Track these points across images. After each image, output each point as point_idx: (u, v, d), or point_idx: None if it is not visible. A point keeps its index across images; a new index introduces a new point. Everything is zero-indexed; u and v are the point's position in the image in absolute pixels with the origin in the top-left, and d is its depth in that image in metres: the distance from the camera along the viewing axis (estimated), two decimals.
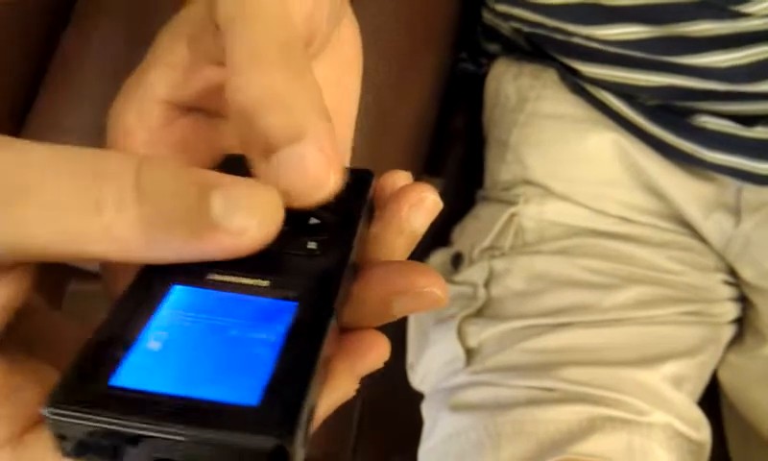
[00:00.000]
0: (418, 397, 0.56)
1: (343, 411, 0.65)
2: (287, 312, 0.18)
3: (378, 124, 0.53)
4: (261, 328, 0.18)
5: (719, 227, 0.52)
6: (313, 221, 0.21)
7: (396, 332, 0.61)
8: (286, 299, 0.18)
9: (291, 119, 0.19)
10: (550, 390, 0.47)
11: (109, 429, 0.16)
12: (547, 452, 0.45)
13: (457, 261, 0.57)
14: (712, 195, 0.52)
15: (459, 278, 0.56)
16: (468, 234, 0.57)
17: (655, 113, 0.51)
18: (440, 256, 0.59)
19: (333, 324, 0.18)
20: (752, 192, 0.51)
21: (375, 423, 0.64)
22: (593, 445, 0.45)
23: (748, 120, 0.49)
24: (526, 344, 0.50)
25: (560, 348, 0.49)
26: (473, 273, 0.54)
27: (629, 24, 0.48)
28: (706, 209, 0.52)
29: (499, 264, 0.54)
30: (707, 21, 0.46)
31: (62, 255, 0.17)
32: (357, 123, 0.53)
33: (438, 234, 0.62)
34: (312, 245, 0.20)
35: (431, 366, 0.54)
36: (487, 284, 0.53)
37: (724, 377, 0.56)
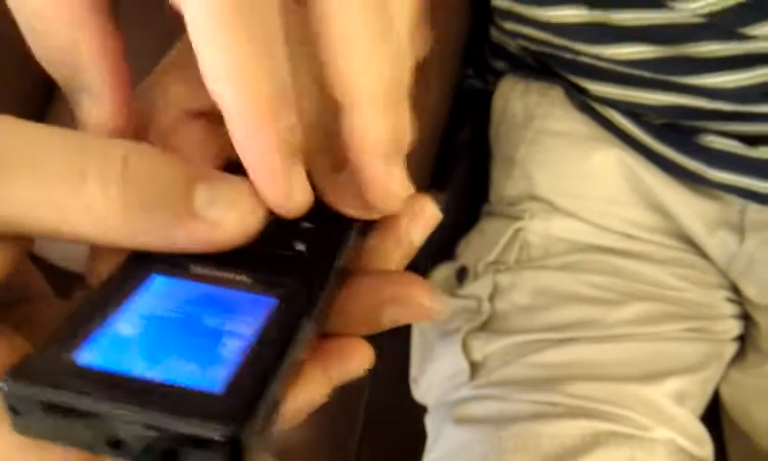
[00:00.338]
0: (420, 409, 0.57)
1: (346, 422, 0.66)
2: (265, 309, 0.18)
3: None
4: (237, 322, 0.18)
5: (723, 245, 0.53)
6: (305, 225, 0.21)
7: (400, 345, 0.61)
8: (266, 295, 0.19)
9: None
10: (554, 404, 0.48)
11: (59, 404, 0.16)
12: None
13: (462, 275, 0.58)
14: (716, 213, 0.52)
15: (463, 291, 0.56)
16: (472, 249, 0.58)
17: (661, 132, 0.52)
18: (444, 270, 0.59)
19: (311, 326, 0.18)
20: (756, 211, 0.51)
21: (378, 434, 0.64)
22: (596, 459, 0.45)
23: (753, 140, 0.49)
24: (531, 358, 0.50)
25: (564, 362, 0.49)
26: (478, 287, 0.55)
27: (636, 44, 0.49)
28: (710, 227, 0.53)
29: (504, 278, 0.54)
30: (713, 42, 0.46)
31: (43, 230, 0.17)
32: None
33: (442, 248, 0.62)
34: (301, 247, 0.20)
35: (435, 379, 0.55)
36: (491, 298, 0.54)
37: (726, 394, 0.56)
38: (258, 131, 0.18)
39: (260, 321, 0.18)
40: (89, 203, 0.17)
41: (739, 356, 0.56)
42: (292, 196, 0.19)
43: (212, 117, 0.23)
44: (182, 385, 0.16)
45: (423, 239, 0.22)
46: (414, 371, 0.58)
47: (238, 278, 0.19)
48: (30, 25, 0.19)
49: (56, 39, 0.19)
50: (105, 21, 0.20)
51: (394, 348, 0.64)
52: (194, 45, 0.17)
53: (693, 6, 0.44)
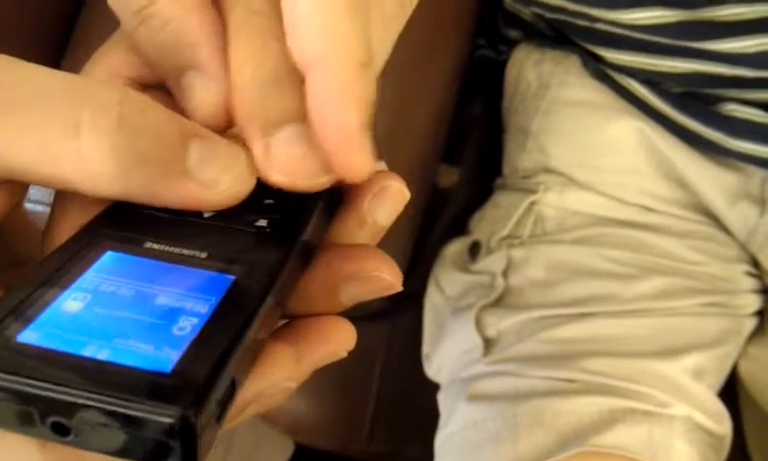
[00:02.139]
0: (432, 386, 0.56)
1: (358, 400, 0.66)
2: (222, 286, 0.17)
3: (397, 109, 0.52)
4: (191, 299, 0.17)
5: (743, 217, 0.51)
6: (268, 201, 0.20)
7: (412, 322, 0.60)
8: (223, 272, 0.18)
9: (292, 96, 0.19)
10: (570, 381, 0.47)
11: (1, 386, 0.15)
12: (567, 444, 0.44)
13: (474, 250, 0.57)
14: (737, 185, 0.51)
15: (476, 267, 0.55)
16: (486, 223, 0.57)
17: (680, 101, 0.50)
18: (456, 246, 0.58)
19: (270, 304, 0.17)
20: None
21: (390, 411, 0.63)
22: (614, 437, 0.44)
23: None
24: (546, 334, 0.49)
25: (580, 338, 0.48)
26: (492, 262, 0.54)
27: (655, 8, 0.47)
28: (730, 199, 0.51)
29: (518, 253, 0.53)
30: (736, 5, 0.45)
31: (33, 175, 0.17)
32: (376, 109, 0.52)
33: (454, 223, 0.61)
34: (262, 223, 0.19)
35: (448, 356, 0.54)
36: (505, 274, 0.53)
37: (743, 369, 0.55)
38: (347, 85, 0.17)
39: (216, 299, 0.17)
40: (81, 153, 0.16)
41: (758, 332, 0.54)
42: (366, 160, 0.18)
43: (162, 88, 0.23)
44: (131, 365, 0.15)
45: (391, 219, 0.21)
46: (426, 347, 0.58)
47: (196, 254, 0.18)
48: (141, 16, 0.19)
49: (171, 26, 0.19)
50: (212, 6, 0.20)
51: (406, 324, 0.63)
52: (291, 9, 0.18)
53: None
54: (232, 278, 0.17)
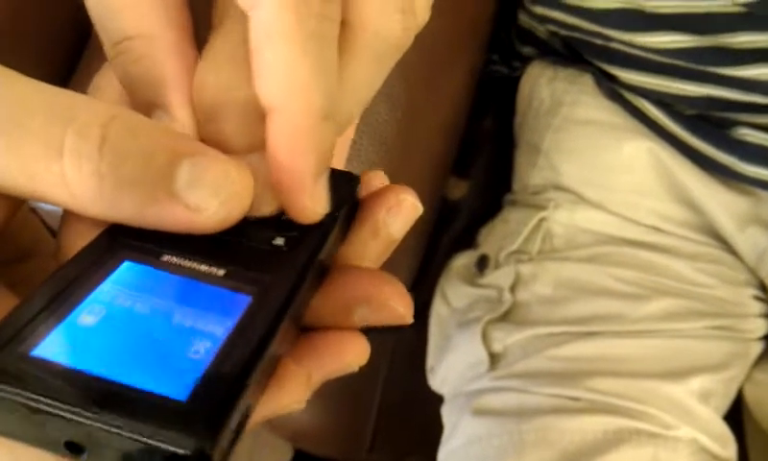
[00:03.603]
0: (434, 398, 0.56)
1: (360, 410, 0.65)
2: (239, 306, 0.17)
3: (410, 122, 0.52)
4: (207, 319, 0.16)
5: (753, 241, 0.51)
6: (285, 217, 0.19)
7: (415, 334, 0.60)
8: (240, 292, 0.17)
9: (245, 128, 0.19)
10: (576, 399, 0.47)
11: (14, 402, 0.14)
12: None
13: (482, 264, 0.57)
14: (748, 209, 0.51)
15: (484, 281, 0.55)
16: (495, 237, 0.57)
17: (693, 124, 0.50)
18: (464, 258, 0.58)
19: (285, 326, 0.17)
20: None
21: (392, 423, 0.63)
22: (619, 457, 0.44)
23: None
24: (552, 351, 0.49)
25: (587, 357, 0.48)
26: (499, 276, 0.54)
27: (671, 32, 0.47)
28: (740, 223, 0.51)
29: (526, 269, 0.53)
30: (751, 33, 0.45)
31: (22, 194, 0.17)
32: (389, 120, 0.53)
33: (461, 236, 0.62)
34: (279, 241, 0.19)
35: (453, 368, 0.54)
36: (513, 289, 0.53)
37: (749, 394, 0.55)
38: (303, 136, 0.18)
39: (233, 321, 0.17)
40: (62, 176, 0.16)
41: (765, 356, 0.54)
42: (317, 205, 0.19)
43: None
44: (146, 389, 0.15)
45: (403, 232, 0.21)
46: (431, 360, 0.58)
47: (212, 270, 0.18)
48: (117, 49, 0.19)
49: (143, 62, 0.19)
50: (192, 47, 0.20)
51: (409, 336, 0.63)
52: (257, 50, 0.17)
53: None
54: (249, 298, 0.17)
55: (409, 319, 0.20)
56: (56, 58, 0.43)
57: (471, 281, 0.56)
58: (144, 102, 0.19)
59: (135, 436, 0.14)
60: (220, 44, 0.19)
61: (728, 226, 0.51)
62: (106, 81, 0.21)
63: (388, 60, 0.20)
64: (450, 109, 0.56)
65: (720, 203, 0.51)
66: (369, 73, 0.20)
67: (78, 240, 0.19)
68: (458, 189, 0.63)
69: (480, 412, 0.49)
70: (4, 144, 0.16)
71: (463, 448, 0.49)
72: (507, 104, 0.62)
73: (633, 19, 0.48)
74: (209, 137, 0.19)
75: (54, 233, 0.21)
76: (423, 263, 0.60)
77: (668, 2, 0.46)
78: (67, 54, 0.43)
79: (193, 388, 0.15)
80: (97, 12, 0.19)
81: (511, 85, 0.62)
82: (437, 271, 0.60)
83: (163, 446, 0.14)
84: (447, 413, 0.53)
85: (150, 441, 0.14)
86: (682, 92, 0.50)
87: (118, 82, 0.21)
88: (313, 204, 0.19)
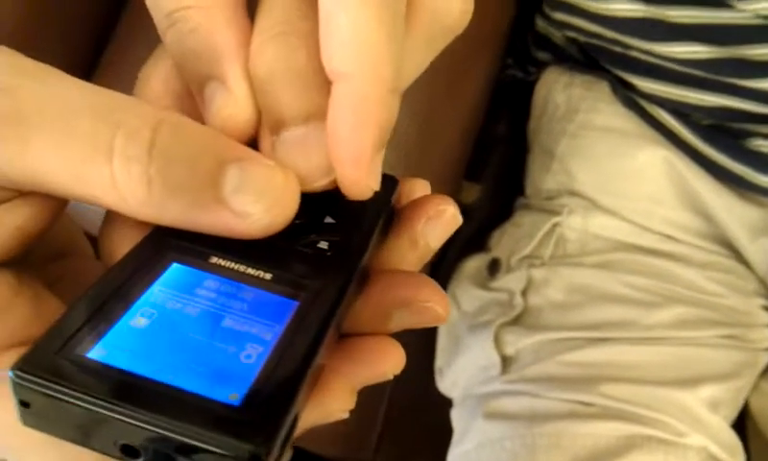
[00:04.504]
0: (440, 400, 0.56)
1: (366, 413, 0.65)
2: (286, 310, 0.17)
3: (429, 127, 0.52)
4: (256, 323, 0.17)
5: (764, 251, 0.52)
6: (328, 220, 0.20)
7: (421, 336, 0.60)
8: (287, 296, 0.18)
9: (304, 96, 0.18)
10: (588, 404, 0.47)
11: (73, 404, 0.15)
12: None
13: (494, 268, 0.57)
14: (760, 219, 0.51)
15: (495, 284, 0.55)
16: (507, 241, 0.57)
17: (708, 133, 0.51)
18: (475, 262, 0.59)
19: (332, 331, 0.17)
20: None
21: (398, 424, 0.63)
22: None
23: None
24: (565, 356, 0.49)
25: (599, 362, 0.49)
26: (511, 280, 0.54)
27: (691, 43, 0.47)
28: (752, 233, 0.52)
29: (538, 273, 0.53)
30: None
31: (69, 194, 0.17)
32: (410, 124, 0.53)
33: (472, 240, 0.62)
34: (323, 244, 0.19)
35: (463, 371, 0.54)
36: (524, 293, 0.53)
37: (755, 404, 0.55)
38: (371, 107, 0.17)
39: (281, 326, 0.17)
40: (111, 178, 0.16)
41: None
42: (372, 181, 0.19)
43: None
44: (201, 394, 0.15)
45: (442, 242, 0.21)
46: (440, 362, 0.58)
47: (258, 274, 0.18)
48: (171, 19, 0.19)
49: (198, 32, 0.19)
50: (245, 17, 0.19)
51: (417, 337, 0.63)
52: (329, 15, 0.17)
53: (757, 6, 0.43)
54: (296, 303, 0.17)
55: (446, 319, 0.20)
56: (77, 53, 0.43)
57: (482, 285, 0.56)
58: (197, 74, 0.19)
59: (192, 441, 0.14)
60: (275, 11, 0.19)
61: (740, 236, 0.52)
62: (150, 70, 0.21)
63: (440, 42, 0.20)
64: (468, 114, 0.56)
65: (733, 213, 0.52)
66: (421, 53, 0.20)
67: (121, 241, 0.19)
68: (470, 193, 0.63)
69: (492, 415, 0.49)
70: (51, 145, 0.16)
71: (474, 450, 0.49)
72: (520, 108, 0.62)
73: (654, 28, 0.48)
74: (266, 108, 0.19)
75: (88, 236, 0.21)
76: (433, 266, 0.60)
77: (690, 12, 0.47)
78: (89, 48, 0.43)
79: (246, 393, 0.15)
80: None
81: (524, 90, 0.62)
82: (447, 273, 0.60)
83: (219, 451, 0.14)
84: (458, 416, 0.54)
85: (206, 446, 0.14)
86: (698, 102, 0.50)
87: (163, 71, 0.21)
88: (368, 179, 0.18)
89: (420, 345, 0.60)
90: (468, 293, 0.57)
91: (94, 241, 0.23)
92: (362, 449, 0.62)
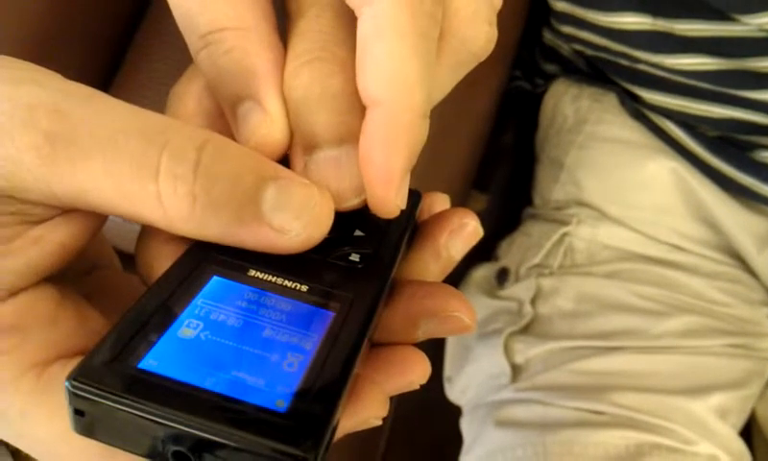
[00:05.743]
0: (448, 410, 0.56)
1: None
2: (322, 320, 0.18)
3: (440, 139, 0.53)
4: (295, 333, 0.17)
5: None
6: (358, 233, 0.21)
7: (430, 344, 0.60)
8: (323, 307, 0.18)
9: (338, 120, 0.19)
10: (599, 413, 0.47)
11: (127, 412, 0.15)
12: None
13: (502, 277, 0.57)
14: (767, 230, 0.52)
15: (504, 293, 0.56)
16: (515, 250, 0.57)
17: (715, 145, 0.51)
18: (484, 270, 0.59)
19: (366, 341, 0.18)
20: None
21: (406, 432, 0.64)
22: None
23: None
24: (574, 365, 0.50)
25: (609, 371, 0.49)
26: (520, 289, 0.55)
27: (698, 55, 0.48)
28: (759, 244, 0.52)
29: (547, 283, 0.54)
30: None
31: (114, 211, 0.17)
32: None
33: (479, 249, 0.62)
34: (355, 257, 0.20)
35: (473, 379, 0.54)
36: (533, 302, 0.53)
37: (761, 413, 0.56)
38: (403, 133, 0.18)
39: (318, 335, 0.18)
40: (157, 196, 0.17)
41: None
42: (401, 201, 0.19)
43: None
44: (249, 401, 0.16)
45: (463, 254, 0.22)
46: (448, 370, 0.58)
47: (295, 286, 0.19)
48: (205, 41, 0.20)
49: (234, 53, 0.19)
50: (279, 40, 0.20)
51: (425, 347, 0.63)
52: (366, 43, 0.18)
53: (762, 20, 0.44)
54: (332, 314, 0.18)
55: (473, 329, 0.20)
56: (96, 63, 0.43)
57: (491, 293, 0.57)
58: (231, 94, 0.20)
59: (243, 447, 0.15)
60: (310, 36, 0.19)
61: (747, 246, 0.52)
62: (184, 88, 0.21)
63: (465, 68, 0.21)
64: (477, 127, 0.57)
65: (740, 223, 0.52)
66: (448, 78, 0.21)
67: (159, 255, 0.20)
68: (478, 203, 0.63)
69: (503, 423, 0.50)
70: (101, 164, 0.17)
71: (485, 458, 0.49)
72: (527, 119, 0.63)
73: (661, 41, 0.49)
74: (299, 129, 0.19)
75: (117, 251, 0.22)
76: None
77: (697, 25, 0.47)
78: (108, 58, 0.44)
79: (291, 400, 0.16)
80: (185, 4, 0.20)
81: (531, 101, 0.63)
82: (455, 282, 0.60)
83: (272, 455, 0.15)
84: (467, 424, 0.54)
85: (258, 451, 0.15)
86: (705, 114, 0.51)
87: (196, 90, 0.21)
88: (397, 198, 0.19)
89: (429, 353, 0.60)
90: (477, 301, 0.57)
91: (120, 254, 0.24)
92: (369, 458, 0.62)
